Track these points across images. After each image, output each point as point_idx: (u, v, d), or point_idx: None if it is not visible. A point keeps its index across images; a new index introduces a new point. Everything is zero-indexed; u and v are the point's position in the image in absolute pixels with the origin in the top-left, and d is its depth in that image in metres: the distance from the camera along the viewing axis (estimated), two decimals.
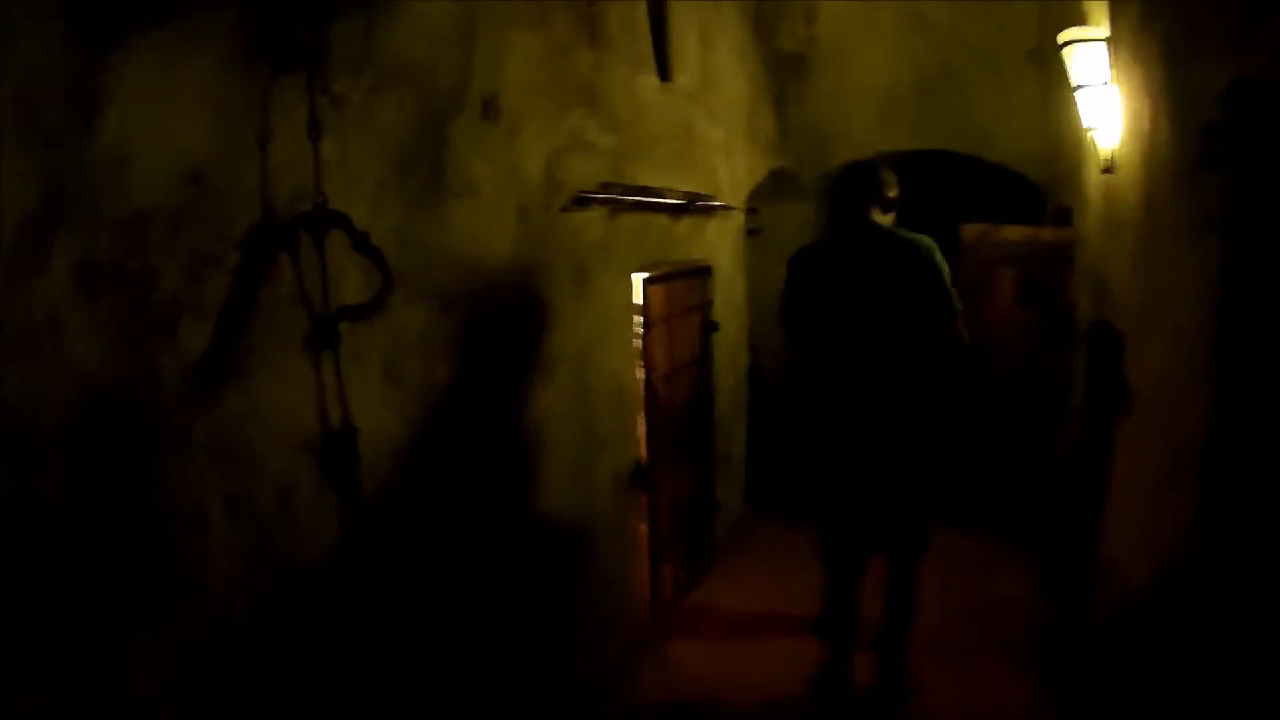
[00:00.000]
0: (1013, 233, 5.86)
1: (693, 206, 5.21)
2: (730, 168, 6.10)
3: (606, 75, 4.31)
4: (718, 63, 5.94)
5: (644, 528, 4.85)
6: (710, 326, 5.75)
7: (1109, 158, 4.24)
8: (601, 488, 4.36)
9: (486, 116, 3.42)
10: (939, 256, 3.91)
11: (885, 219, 4.05)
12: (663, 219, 4.91)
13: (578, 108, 4.05)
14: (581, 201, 3.93)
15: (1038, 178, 6.64)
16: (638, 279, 4.61)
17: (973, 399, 5.38)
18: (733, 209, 6.14)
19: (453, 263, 3.24)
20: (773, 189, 7.03)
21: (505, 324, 3.55)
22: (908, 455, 4.00)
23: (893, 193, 4.07)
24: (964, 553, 5.78)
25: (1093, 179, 4.80)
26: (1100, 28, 4.21)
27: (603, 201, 4.12)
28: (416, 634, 3.01)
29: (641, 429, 4.76)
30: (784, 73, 7.08)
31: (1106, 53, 4.12)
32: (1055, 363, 5.67)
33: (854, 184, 4.10)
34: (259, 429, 2.47)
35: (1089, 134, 4.38)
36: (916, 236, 3.94)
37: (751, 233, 6.80)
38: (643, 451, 4.76)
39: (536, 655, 3.75)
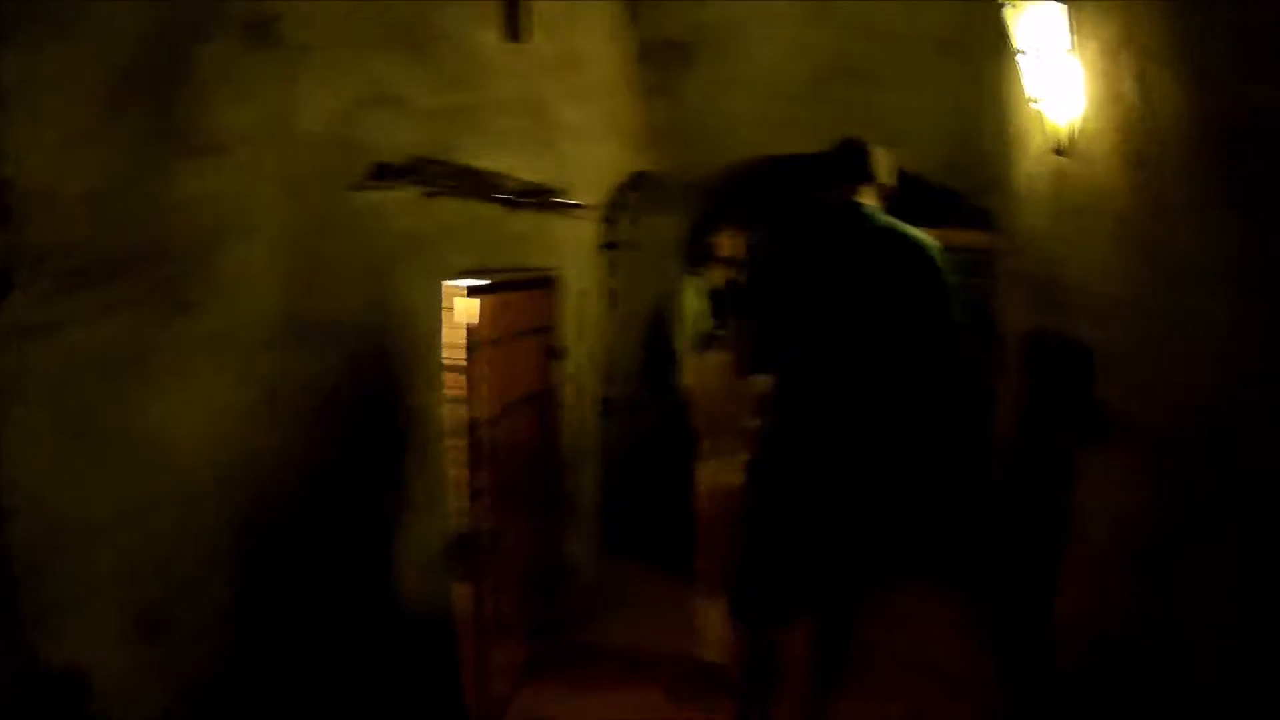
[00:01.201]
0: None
1: (538, 200, 4.42)
2: (589, 161, 5.34)
3: (436, 18, 3.51)
4: (584, 35, 5.19)
5: (469, 612, 4.00)
6: (555, 353, 4.95)
7: (1065, 136, 3.72)
8: (407, 565, 3.49)
9: (254, 41, 2.57)
10: (944, 260, 3.43)
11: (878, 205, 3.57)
12: (497, 211, 4.07)
13: (391, 51, 3.22)
14: (383, 175, 3.07)
15: (949, 180, 6.10)
16: (459, 288, 3.77)
17: (943, 432, 4.88)
18: (588, 209, 5.38)
19: (186, 252, 2.38)
20: (637, 196, 6.31)
21: (260, 343, 2.67)
22: (870, 499, 3.48)
23: (887, 178, 3.59)
24: (894, 600, 5.23)
25: (1033, 168, 4.34)
26: None
27: (415, 179, 3.28)
28: None
29: (465, 486, 3.90)
30: (661, 60, 6.37)
31: (1064, 13, 3.63)
32: (983, 382, 5.26)
33: (841, 158, 3.59)
34: None
35: (1036, 109, 3.88)
36: (919, 233, 3.45)
37: (609, 246, 6.06)
38: (466, 515, 3.89)
39: None
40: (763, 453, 3.63)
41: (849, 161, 3.56)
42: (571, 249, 5.21)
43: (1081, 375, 3.57)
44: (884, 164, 3.58)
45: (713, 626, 4.57)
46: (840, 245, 3.46)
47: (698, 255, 5.58)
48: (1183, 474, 2.94)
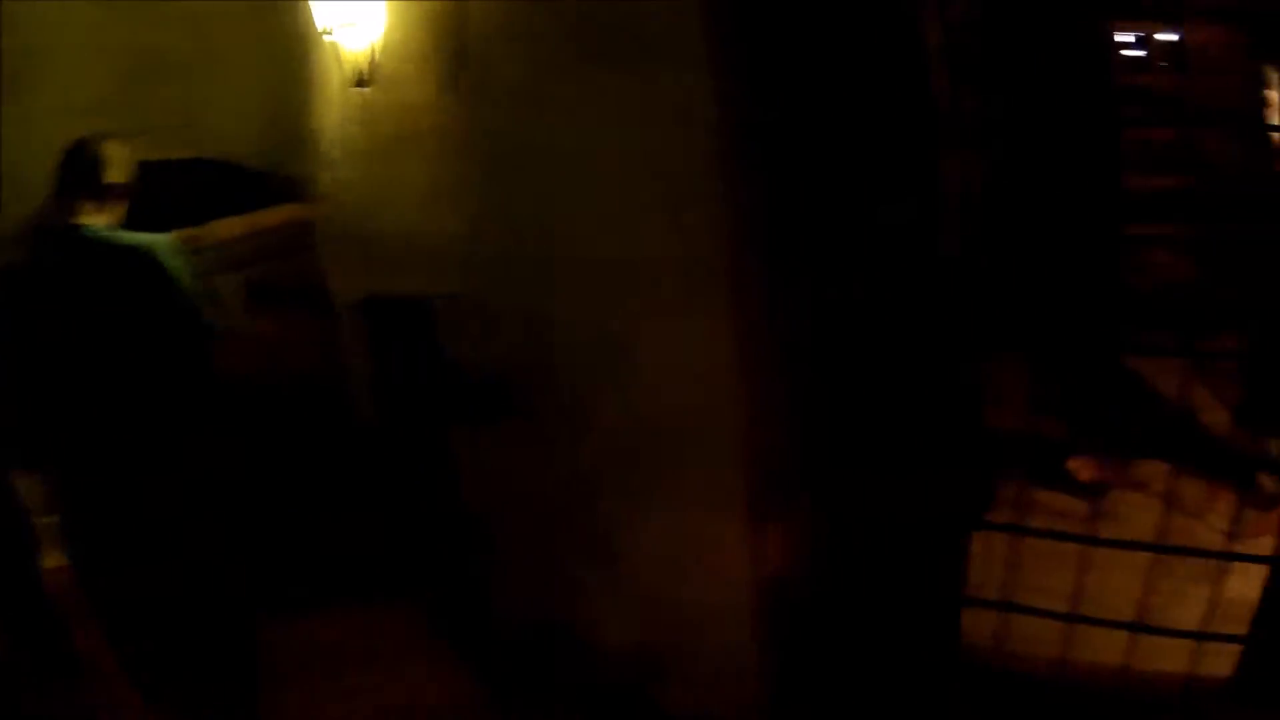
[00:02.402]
0: (225, 229, 4.96)
1: None
2: None
3: None
4: None
5: None
6: None
7: (365, 63, 3.51)
8: None
9: None
10: (176, 262, 3.22)
11: (109, 215, 3.27)
12: None
13: None
14: None
15: (266, 159, 5.76)
16: None
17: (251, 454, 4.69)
18: None
19: None
20: None
21: None
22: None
23: (115, 175, 3.26)
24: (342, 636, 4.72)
25: (337, 113, 4.06)
26: None
27: None
28: None
29: None
30: None
31: None
32: (332, 369, 4.96)
33: (59, 173, 3.26)
34: None
35: (331, 41, 3.57)
36: (141, 238, 3.21)
37: None
38: None
39: None
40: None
41: (61, 174, 3.27)
42: None
43: (426, 337, 3.38)
44: (112, 159, 3.27)
45: None
46: (44, 285, 3.21)
47: None
48: (568, 436, 2.93)
